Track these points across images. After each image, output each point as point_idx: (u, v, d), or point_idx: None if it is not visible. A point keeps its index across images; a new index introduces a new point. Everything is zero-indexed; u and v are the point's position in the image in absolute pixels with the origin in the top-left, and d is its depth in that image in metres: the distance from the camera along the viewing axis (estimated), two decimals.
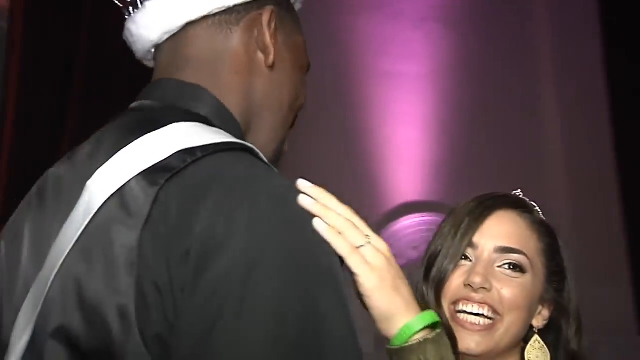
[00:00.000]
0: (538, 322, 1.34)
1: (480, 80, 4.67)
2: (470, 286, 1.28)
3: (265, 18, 0.98)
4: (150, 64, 1.06)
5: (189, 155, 0.80)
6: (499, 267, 1.31)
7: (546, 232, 1.39)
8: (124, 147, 0.82)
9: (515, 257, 1.31)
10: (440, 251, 1.34)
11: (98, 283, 0.77)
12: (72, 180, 0.89)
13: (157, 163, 0.79)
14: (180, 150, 0.80)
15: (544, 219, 1.42)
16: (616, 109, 4.70)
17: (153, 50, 1.02)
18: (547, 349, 1.33)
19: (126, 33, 1.03)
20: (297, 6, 1.10)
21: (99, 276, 0.77)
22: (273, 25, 0.98)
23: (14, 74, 3.78)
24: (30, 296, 0.84)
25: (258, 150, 0.89)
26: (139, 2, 1.00)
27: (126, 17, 1.03)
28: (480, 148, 4.50)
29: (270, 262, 0.72)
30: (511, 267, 1.31)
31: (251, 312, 0.69)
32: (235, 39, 0.98)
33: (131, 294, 0.74)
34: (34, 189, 0.99)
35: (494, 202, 1.39)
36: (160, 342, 0.73)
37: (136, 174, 0.79)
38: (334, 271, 0.78)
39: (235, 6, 0.96)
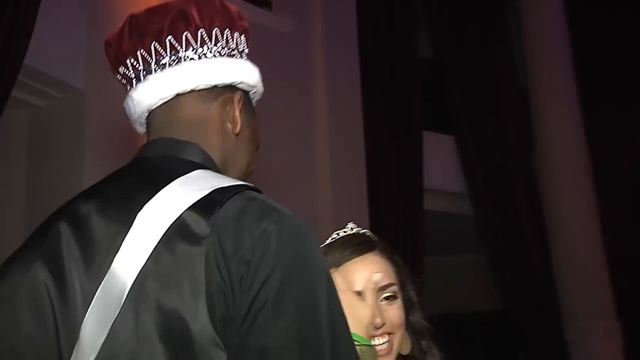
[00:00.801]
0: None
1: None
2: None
3: (236, 99, 1.25)
4: (140, 128, 1.31)
5: (226, 192, 1.05)
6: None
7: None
8: (158, 188, 1.07)
9: (388, 288, 1.56)
10: None
11: (173, 292, 0.98)
12: (114, 212, 1.10)
13: (203, 198, 1.03)
14: (217, 189, 1.05)
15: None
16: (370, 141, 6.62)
17: (146, 114, 1.25)
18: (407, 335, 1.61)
19: (128, 100, 1.27)
20: (255, 99, 1.36)
21: (175, 287, 0.99)
22: (241, 105, 1.25)
23: None
24: (90, 322, 1.00)
25: (257, 188, 1.13)
26: (142, 76, 1.23)
27: (128, 88, 1.27)
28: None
29: (292, 269, 0.98)
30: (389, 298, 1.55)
31: (284, 305, 0.95)
32: (213, 109, 1.23)
33: (203, 294, 0.97)
34: (63, 222, 1.15)
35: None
36: (224, 323, 0.96)
37: (187, 207, 1.02)
38: (328, 272, 1.06)
39: (215, 86, 1.22)
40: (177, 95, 1.21)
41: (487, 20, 8.91)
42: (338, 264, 1.53)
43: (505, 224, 8.19)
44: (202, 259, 0.98)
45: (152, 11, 1.24)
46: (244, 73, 1.27)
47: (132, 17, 1.25)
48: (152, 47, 1.22)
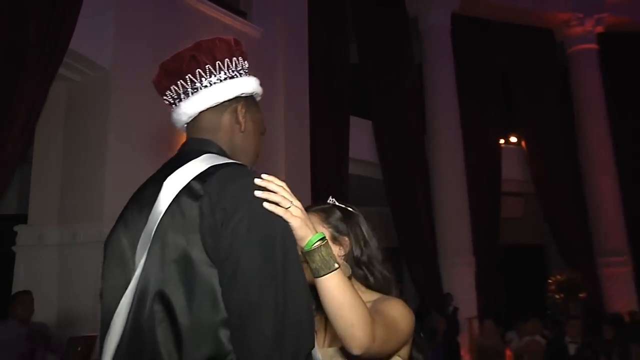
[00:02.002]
0: (339, 252, 1.50)
1: None
2: None
3: (239, 107, 1.30)
4: (183, 131, 1.36)
5: (219, 167, 1.14)
6: None
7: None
8: (181, 166, 1.16)
9: None
10: None
11: (181, 231, 1.09)
12: (152, 186, 1.19)
13: (203, 171, 1.14)
14: (212, 165, 1.14)
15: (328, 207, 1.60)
16: (313, 123, 6.87)
17: (185, 125, 1.34)
18: (347, 265, 1.51)
19: (172, 115, 1.34)
20: (258, 99, 1.39)
21: (182, 228, 1.09)
22: (244, 111, 1.31)
23: None
24: (139, 251, 1.12)
25: (242, 164, 1.22)
26: (176, 103, 1.31)
27: (172, 109, 1.34)
28: None
29: (253, 220, 1.06)
30: None
31: (248, 239, 1.05)
32: (225, 117, 1.30)
33: (198, 233, 1.07)
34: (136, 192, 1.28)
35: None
36: (212, 253, 1.06)
37: (193, 177, 1.13)
38: (279, 220, 1.11)
39: (224, 102, 1.29)
40: (200, 112, 1.29)
41: (398, 40, 9.24)
42: None
43: (403, 186, 8.59)
44: (197, 209, 1.07)
45: (174, 58, 1.31)
46: (243, 86, 1.31)
47: (163, 65, 1.33)
48: (179, 83, 1.29)
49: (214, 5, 6.73)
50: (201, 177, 1.11)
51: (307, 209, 1.50)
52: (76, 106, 5.55)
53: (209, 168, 1.13)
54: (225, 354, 1.04)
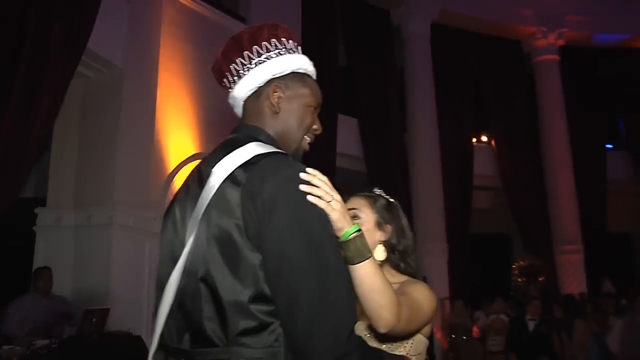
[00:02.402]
0: (380, 237, 1.53)
1: None
2: None
3: (271, 90, 1.22)
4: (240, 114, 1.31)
5: (260, 157, 1.09)
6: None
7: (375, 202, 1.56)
8: (228, 154, 1.13)
9: (353, 212, 1.51)
10: None
11: (225, 216, 1.06)
12: (204, 170, 1.16)
13: (247, 161, 1.09)
14: (255, 155, 1.10)
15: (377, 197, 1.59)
16: None
17: (239, 108, 1.29)
18: (385, 250, 1.53)
19: (230, 99, 1.30)
20: (306, 70, 1.29)
21: (226, 213, 1.06)
22: (276, 93, 1.22)
23: None
24: (188, 231, 1.10)
25: (287, 153, 1.17)
26: (229, 89, 1.28)
27: (229, 90, 1.29)
28: None
29: (294, 211, 1.04)
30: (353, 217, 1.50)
31: (290, 228, 1.02)
32: (261, 102, 1.23)
33: (240, 218, 1.05)
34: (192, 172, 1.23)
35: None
36: (254, 240, 1.03)
37: (237, 166, 1.09)
38: (319, 211, 1.08)
39: (259, 87, 1.23)
40: (244, 100, 1.26)
41: (382, 46, 9.32)
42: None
43: (384, 179, 8.60)
44: (239, 197, 1.05)
45: (218, 60, 1.29)
46: (274, 68, 1.23)
47: (214, 65, 1.31)
48: (224, 79, 1.28)
49: (215, 9, 6.80)
50: (244, 166, 1.08)
51: (355, 194, 1.57)
52: (91, 101, 5.60)
53: (252, 157, 1.10)
54: (266, 325, 1.04)
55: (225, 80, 1.27)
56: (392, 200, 1.61)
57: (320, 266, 1.03)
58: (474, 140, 10.28)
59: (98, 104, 5.57)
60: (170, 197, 4.94)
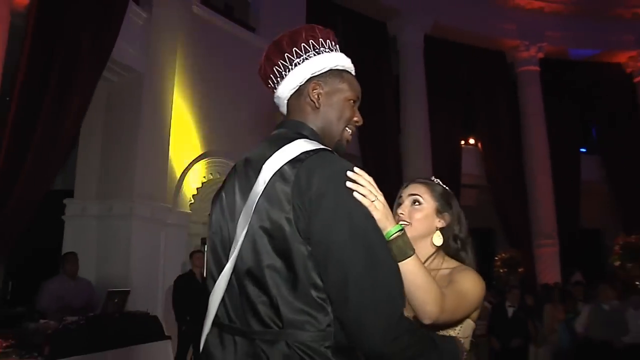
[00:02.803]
0: (438, 224, 1.46)
1: None
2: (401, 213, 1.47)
3: (310, 88, 1.20)
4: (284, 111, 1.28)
5: (310, 153, 1.07)
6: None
7: (435, 189, 1.49)
8: (277, 150, 1.09)
9: (414, 197, 1.47)
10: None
11: (276, 210, 1.05)
12: (254, 164, 1.13)
13: (295, 157, 1.07)
14: (303, 152, 1.07)
15: (437, 186, 1.50)
16: None
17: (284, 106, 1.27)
18: (442, 236, 1.45)
19: (275, 99, 1.29)
20: (350, 70, 1.26)
21: (276, 207, 1.04)
22: (316, 90, 1.20)
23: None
24: (241, 221, 1.08)
25: (332, 150, 1.13)
26: (274, 89, 1.26)
27: (274, 91, 1.27)
28: None
29: (340, 207, 1.01)
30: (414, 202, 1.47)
31: (337, 222, 1.00)
32: (303, 99, 1.21)
33: (290, 212, 1.03)
34: (233, 168, 1.21)
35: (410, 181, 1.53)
36: (304, 233, 1.02)
37: (286, 162, 1.07)
38: (363, 208, 1.03)
39: (300, 86, 1.21)
40: (287, 99, 1.25)
41: (379, 54, 9.39)
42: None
43: (380, 176, 8.34)
44: (289, 193, 1.03)
45: (262, 64, 1.27)
46: (312, 67, 1.20)
47: (259, 69, 1.29)
48: (269, 81, 1.27)
49: (227, 20, 6.88)
50: (292, 163, 1.06)
51: (414, 180, 1.50)
52: (114, 102, 5.69)
53: (300, 154, 1.07)
54: (319, 310, 1.02)
55: (270, 82, 1.26)
56: (447, 189, 1.52)
57: (367, 255, 1.00)
58: (462, 142, 10.36)
59: (120, 105, 5.66)
60: (184, 191, 5.00)
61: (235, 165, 1.21)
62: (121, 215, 5.32)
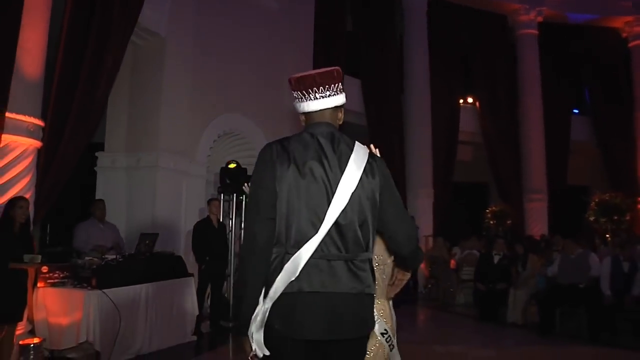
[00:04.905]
0: None
1: None
2: None
3: (340, 111, 1.67)
4: (302, 116, 1.66)
5: (371, 154, 1.58)
6: None
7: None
8: (353, 144, 1.58)
9: None
10: None
11: (371, 182, 1.53)
12: (343, 145, 1.56)
13: (369, 154, 1.58)
14: (367, 151, 1.59)
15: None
16: None
17: (305, 113, 1.65)
18: None
19: (322, 99, 1.62)
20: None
21: (372, 178, 1.54)
22: (341, 113, 1.67)
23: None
24: (345, 185, 1.49)
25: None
26: (327, 91, 1.61)
27: (303, 101, 1.62)
28: None
29: (393, 188, 1.58)
30: None
31: (393, 188, 1.58)
32: (337, 114, 1.65)
33: (377, 183, 1.55)
34: (322, 139, 1.56)
35: None
36: (380, 195, 1.55)
37: (368, 155, 1.57)
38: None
39: (336, 107, 1.63)
40: (329, 108, 1.61)
41: (384, 16, 9.36)
42: None
43: (382, 132, 8.89)
44: (378, 180, 1.53)
45: (323, 75, 1.61)
46: (343, 99, 1.63)
47: (307, 76, 1.63)
48: (327, 85, 1.61)
49: None
50: (372, 156, 1.55)
51: None
52: (140, 64, 5.92)
53: (369, 153, 1.56)
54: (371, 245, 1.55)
55: (327, 85, 1.59)
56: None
57: (402, 202, 1.63)
58: (461, 101, 10.46)
59: (145, 66, 5.89)
60: (203, 145, 5.19)
61: (305, 136, 1.55)
62: (148, 166, 5.64)
